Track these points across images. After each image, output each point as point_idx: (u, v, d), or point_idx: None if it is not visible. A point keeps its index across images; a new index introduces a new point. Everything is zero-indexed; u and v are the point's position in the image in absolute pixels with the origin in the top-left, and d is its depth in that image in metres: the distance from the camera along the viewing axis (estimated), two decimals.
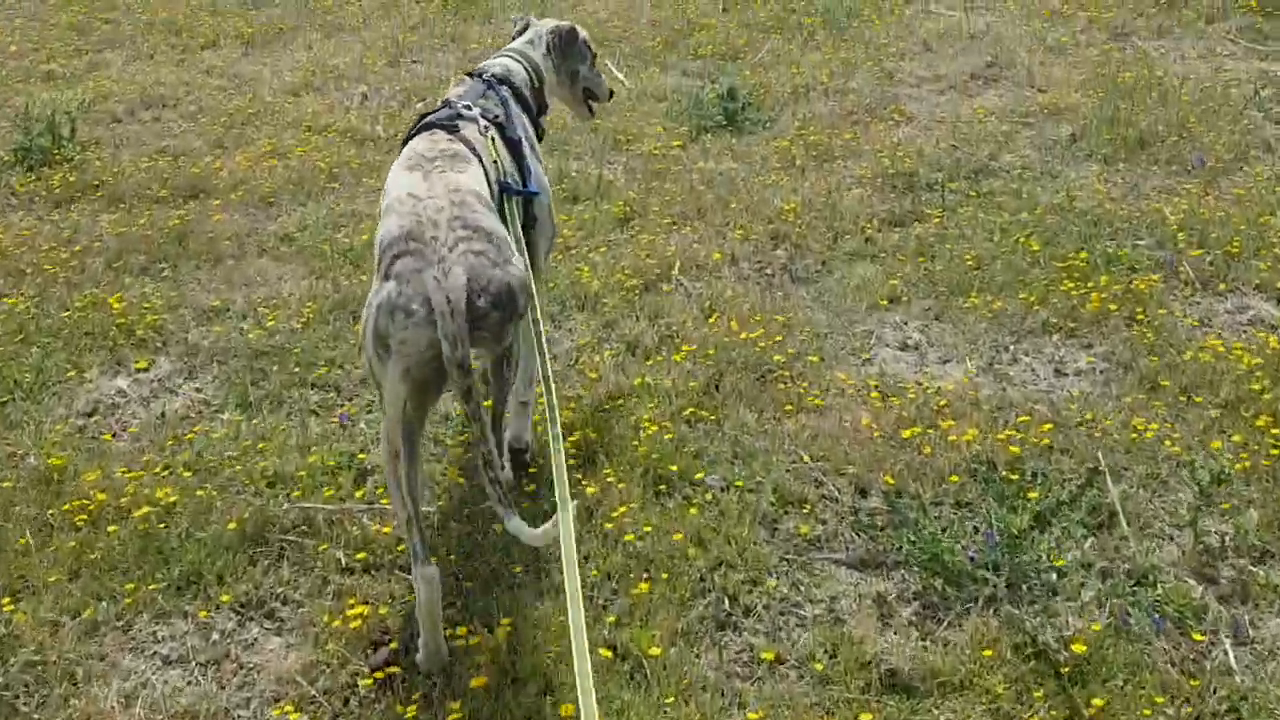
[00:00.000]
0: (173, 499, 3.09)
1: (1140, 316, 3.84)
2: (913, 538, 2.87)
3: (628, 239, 4.70)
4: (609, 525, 2.94)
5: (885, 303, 4.07)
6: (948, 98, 6.05)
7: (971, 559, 2.77)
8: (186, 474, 3.23)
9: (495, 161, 2.95)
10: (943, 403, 3.44)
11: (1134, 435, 3.25)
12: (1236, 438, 3.20)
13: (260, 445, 3.35)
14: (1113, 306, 3.88)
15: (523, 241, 2.88)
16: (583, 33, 3.70)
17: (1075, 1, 7.35)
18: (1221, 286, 4.03)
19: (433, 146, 2.83)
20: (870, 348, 3.85)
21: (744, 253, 4.52)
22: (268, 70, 7.09)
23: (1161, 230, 4.40)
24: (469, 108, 3.05)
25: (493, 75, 3.30)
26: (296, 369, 3.77)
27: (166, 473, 3.26)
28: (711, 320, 3.98)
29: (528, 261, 2.74)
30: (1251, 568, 2.82)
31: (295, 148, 5.73)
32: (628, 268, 4.39)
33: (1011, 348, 3.79)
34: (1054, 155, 5.22)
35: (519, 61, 3.44)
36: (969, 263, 4.25)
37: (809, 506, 3.08)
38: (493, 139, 2.98)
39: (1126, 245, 4.31)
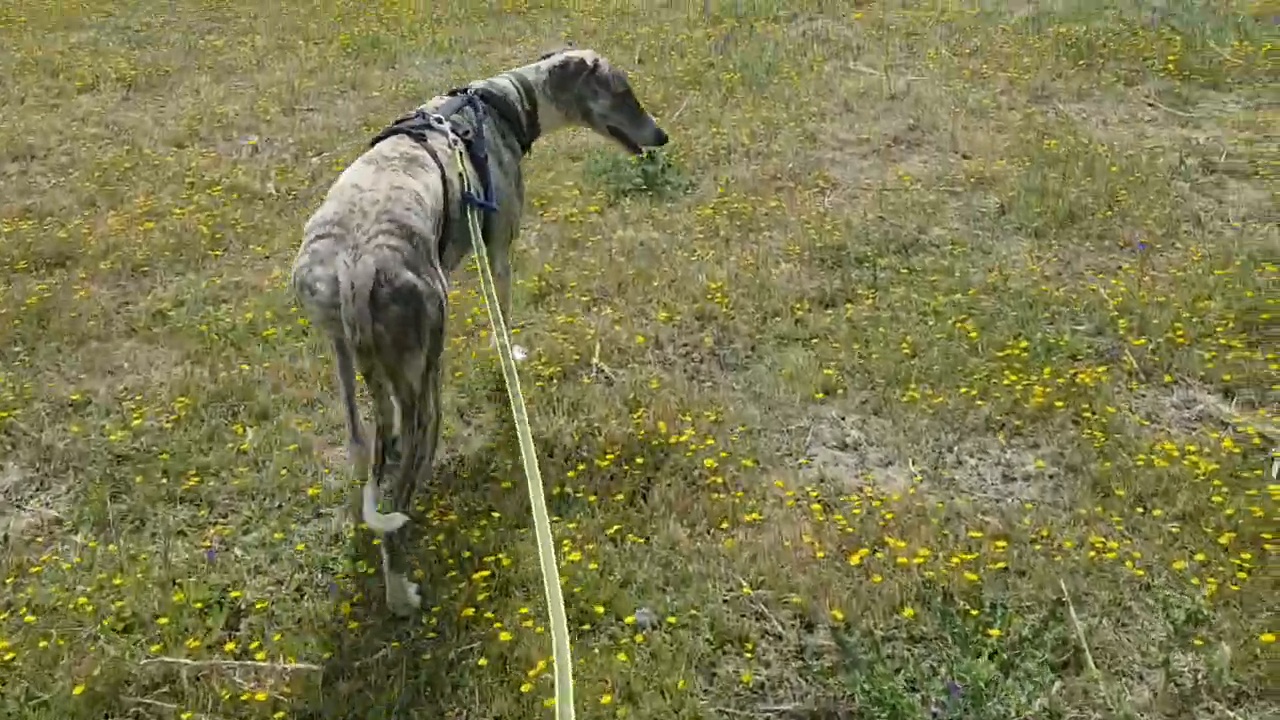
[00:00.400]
0: (10, 654, 2.64)
1: (1086, 413, 3.64)
2: (866, 685, 2.58)
3: (543, 319, 4.37)
4: (526, 686, 2.58)
5: (820, 395, 3.82)
6: (871, 163, 5.87)
7: (934, 716, 2.49)
8: (30, 618, 2.78)
9: (461, 174, 3.07)
10: (889, 515, 3.17)
11: (1093, 554, 3.03)
12: (1200, 556, 3.00)
13: (117, 580, 2.91)
14: (1058, 403, 3.68)
15: (483, 249, 2.97)
16: (602, 68, 3.66)
17: (994, 62, 7.29)
18: (1166, 379, 3.86)
19: (394, 148, 2.97)
20: (807, 447, 3.58)
21: (668, 335, 4.23)
22: (149, 118, 6.62)
23: (1100, 314, 4.24)
24: (440, 120, 3.16)
25: (476, 91, 3.43)
26: (163, 479, 3.34)
27: (6, 615, 2.81)
28: (637, 416, 3.67)
29: (488, 276, 2.85)
30: (1229, 712, 2.60)
31: (175, 208, 5.28)
32: (544, 353, 4.06)
33: (955, 448, 3.56)
34: (983, 228, 5.06)
35: (513, 83, 3.57)
36: (905, 350, 4.02)
37: (750, 645, 2.77)
38: (460, 153, 3.10)
39: (1065, 330, 4.13)
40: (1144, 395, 3.80)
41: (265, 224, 5.07)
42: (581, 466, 3.39)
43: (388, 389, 2.68)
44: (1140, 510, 3.21)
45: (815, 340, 4.15)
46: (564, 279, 4.64)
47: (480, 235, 3.03)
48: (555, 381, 3.89)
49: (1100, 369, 3.86)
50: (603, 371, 3.95)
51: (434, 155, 3.00)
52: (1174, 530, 3.12)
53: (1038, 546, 3.08)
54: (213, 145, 6.13)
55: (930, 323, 4.21)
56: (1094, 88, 6.77)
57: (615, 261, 4.75)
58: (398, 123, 3.18)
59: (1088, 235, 4.93)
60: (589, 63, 3.64)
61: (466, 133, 3.21)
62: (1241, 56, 7.12)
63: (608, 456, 3.43)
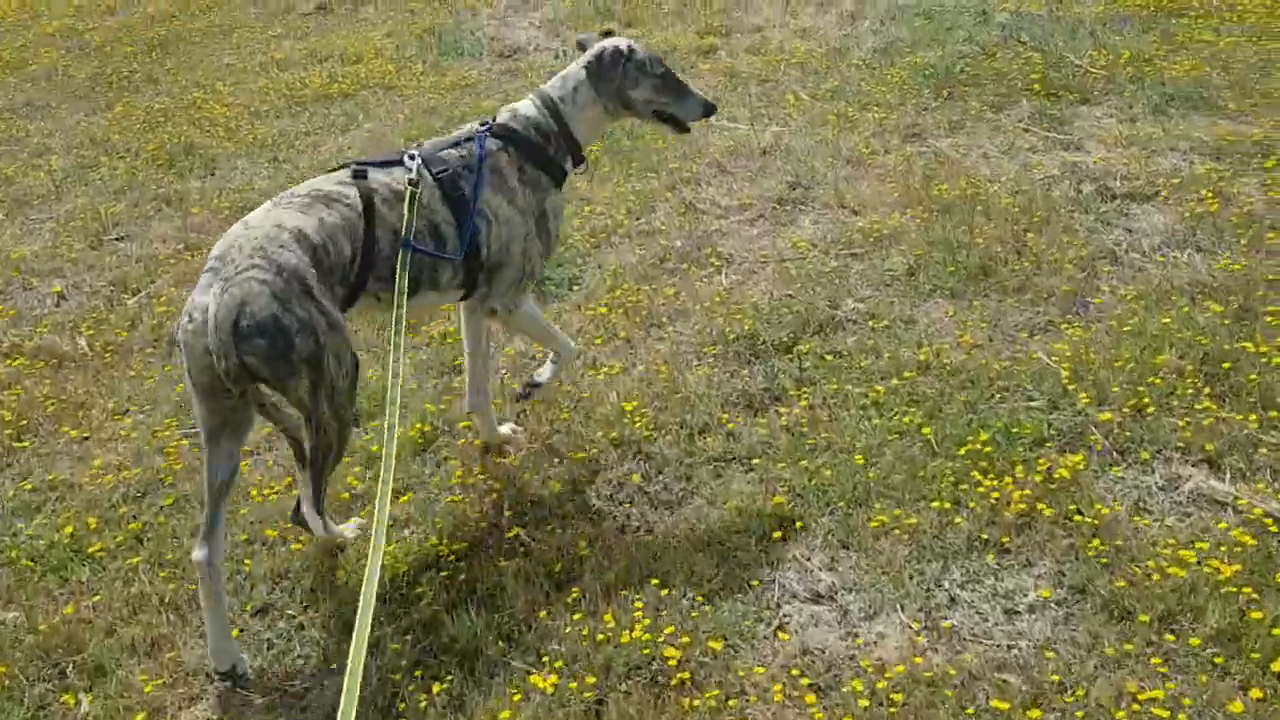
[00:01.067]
0: None
1: (1075, 515, 3.23)
2: None
3: (433, 471, 3.74)
4: None
5: (778, 533, 3.30)
6: (760, 229, 5.44)
7: None
8: None
9: (404, 217, 3.04)
10: (896, 697, 2.66)
11: (1137, 708, 2.58)
12: (1256, 694, 2.59)
13: None
14: (1041, 506, 3.26)
15: (403, 294, 3.01)
16: (638, 52, 3.48)
17: (856, 102, 6.99)
18: (1144, 455, 3.49)
19: (316, 185, 3.02)
20: (777, 606, 3.05)
21: (587, 475, 3.65)
22: None
23: (1051, 384, 3.86)
24: (412, 156, 3.15)
25: (486, 125, 3.35)
26: None
27: None
28: (570, 598, 3.08)
29: (401, 327, 2.95)
30: None
31: None
32: (441, 523, 3.43)
33: (944, 581, 3.09)
34: (897, 294, 4.65)
35: (537, 106, 3.43)
36: (858, 460, 3.54)
37: None
38: (412, 195, 3.05)
39: (1020, 409, 3.74)
40: (1124, 479, 3.42)
41: (80, 395, 4.28)
42: (516, 695, 2.76)
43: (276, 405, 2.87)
44: (1171, 636, 2.79)
45: (755, 460, 3.63)
46: (451, 417, 4.02)
47: (404, 279, 3.02)
48: (460, 565, 3.26)
49: (1077, 458, 3.46)
50: (521, 542, 3.34)
51: (367, 194, 3.01)
52: (1216, 659, 2.70)
53: (1070, 699, 2.61)
54: (9, 299, 5.27)
55: (874, 420, 3.76)
56: (964, 119, 6.51)
57: (506, 388, 4.15)
58: (370, 160, 3.18)
59: (1006, 290, 4.58)
60: (624, 50, 3.46)
61: (442, 171, 3.16)
62: (1102, 66, 7.01)
63: (546, 670, 2.82)
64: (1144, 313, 4.21)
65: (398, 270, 3.02)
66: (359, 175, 3.06)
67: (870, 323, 4.41)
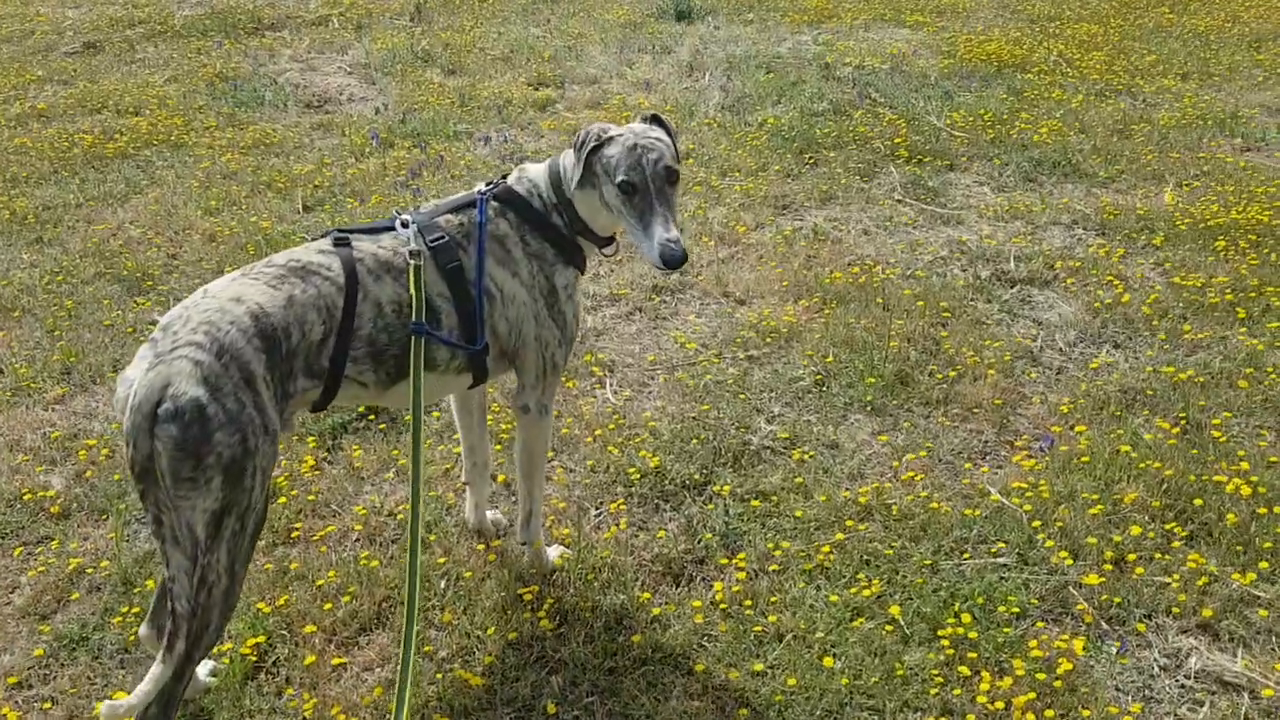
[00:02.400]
0: None
1: None
2: None
3: (271, 707, 2.87)
4: None
5: None
6: (639, 325, 4.77)
7: None
8: None
9: (392, 292, 2.71)
10: None
11: None
12: None
13: None
14: (1050, 714, 2.72)
15: (420, 388, 2.66)
16: (609, 147, 2.83)
17: (714, 168, 6.44)
18: (1139, 627, 3.02)
19: (294, 255, 2.68)
20: None
21: (477, 704, 2.86)
22: None
23: (1017, 534, 3.36)
24: (405, 224, 2.79)
25: (492, 187, 2.96)
26: None
27: None
28: None
29: (419, 423, 2.65)
30: None
31: None
32: None
33: None
34: (811, 411, 4.08)
35: (544, 170, 2.99)
36: (824, 661, 2.91)
37: None
38: (417, 270, 2.69)
39: (989, 569, 3.21)
40: (1128, 665, 2.92)
41: None
42: None
43: (169, 528, 2.37)
44: None
45: (695, 664, 2.94)
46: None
47: (419, 372, 2.67)
48: None
49: (1077, 642, 2.94)
50: None
51: (349, 264, 2.65)
52: None
53: None
54: None
55: (828, 593, 3.14)
56: (833, 188, 6.07)
57: (370, 584, 3.31)
58: (354, 227, 2.83)
59: (931, 402, 4.09)
60: (594, 136, 2.85)
61: (439, 238, 2.78)
62: (962, 128, 6.73)
63: None
64: (1095, 436, 3.79)
65: (412, 361, 2.68)
66: (340, 243, 2.72)
67: (792, 452, 3.81)
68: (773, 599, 3.13)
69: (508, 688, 2.89)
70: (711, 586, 3.21)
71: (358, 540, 3.47)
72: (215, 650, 2.98)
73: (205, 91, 8.09)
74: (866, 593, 3.13)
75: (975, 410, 4.02)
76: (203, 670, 2.91)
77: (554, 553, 3.31)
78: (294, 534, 3.49)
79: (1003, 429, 3.93)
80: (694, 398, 4.16)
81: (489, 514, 3.48)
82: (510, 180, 3.01)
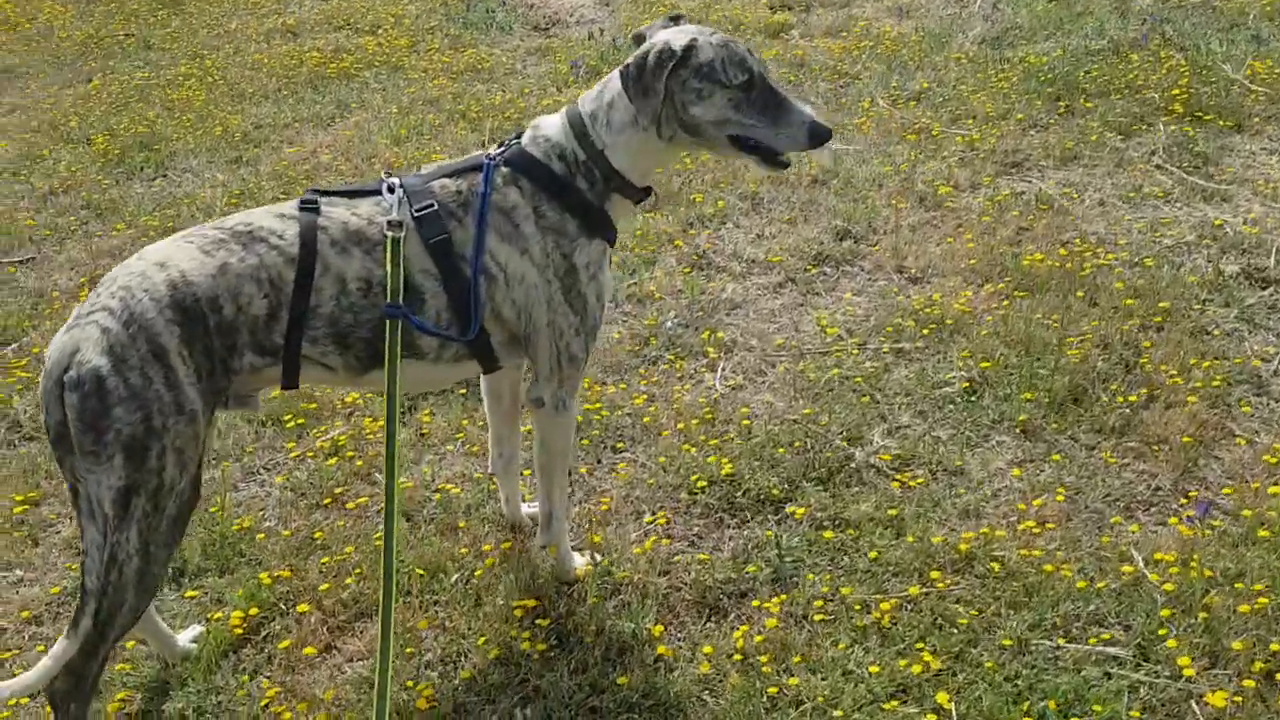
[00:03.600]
0: None
1: None
2: None
3: (238, 686, 2.81)
4: None
5: None
6: (784, 300, 4.32)
7: None
8: None
9: (360, 268, 2.49)
10: None
11: None
12: None
13: None
14: None
15: (395, 370, 2.42)
16: (703, 50, 2.54)
17: (946, 111, 5.76)
18: None
19: (249, 219, 2.50)
20: None
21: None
22: None
23: (1145, 617, 2.72)
24: (391, 188, 2.54)
25: (506, 145, 2.67)
26: None
27: None
28: None
29: (394, 410, 2.43)
30: None
31: None
32: None
33: None
34: (947, 424, 3.52)
35: (562, 124, 2.66)
36: None
37: None
38: (395, 242, 2.45)
39: (1089, 663, 2.62)
40: None
41: None
42: None
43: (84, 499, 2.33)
44: None
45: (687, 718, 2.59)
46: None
47: (394, 357, 2.43)
48: None
49: None
50: None
51: (309, 234, 2.45)
52: None
53: None
54: None
55: (870, 657, 2.67)
56: (1081, 146, 5.25)
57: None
58: (336, 188, 2.64)
59: (1103, 430, 3.42)
60: (676, 50, 2.53)
61: (426, 206, 2.53)
62: (1264, 82, 5.62)
63: None
64: None
65: (387, 347, 2.45)
66: (308, 206, 2.51)
67: (900, 475, 3.30)
68: (801, 657, 2.70)
69: (474, 711, 2.67)
70: (739, 625, 2.82)
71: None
72: (210, 615, 2.97)
73: (441, 11, 8.21)
74: (918, 668, 2.63)
75: (1157, 447, 3.32)
76: (185, 636, 2.89)
77: (579, 560, 3.04)
78: (327, 501, 3.42)
79: (1184, 474, 3.22)
80: (809, 394, 3.70)
81: (524, 507, 3.25)
82: (524, 141, 2.69)
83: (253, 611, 2.98)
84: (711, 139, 2.64)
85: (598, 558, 3.04)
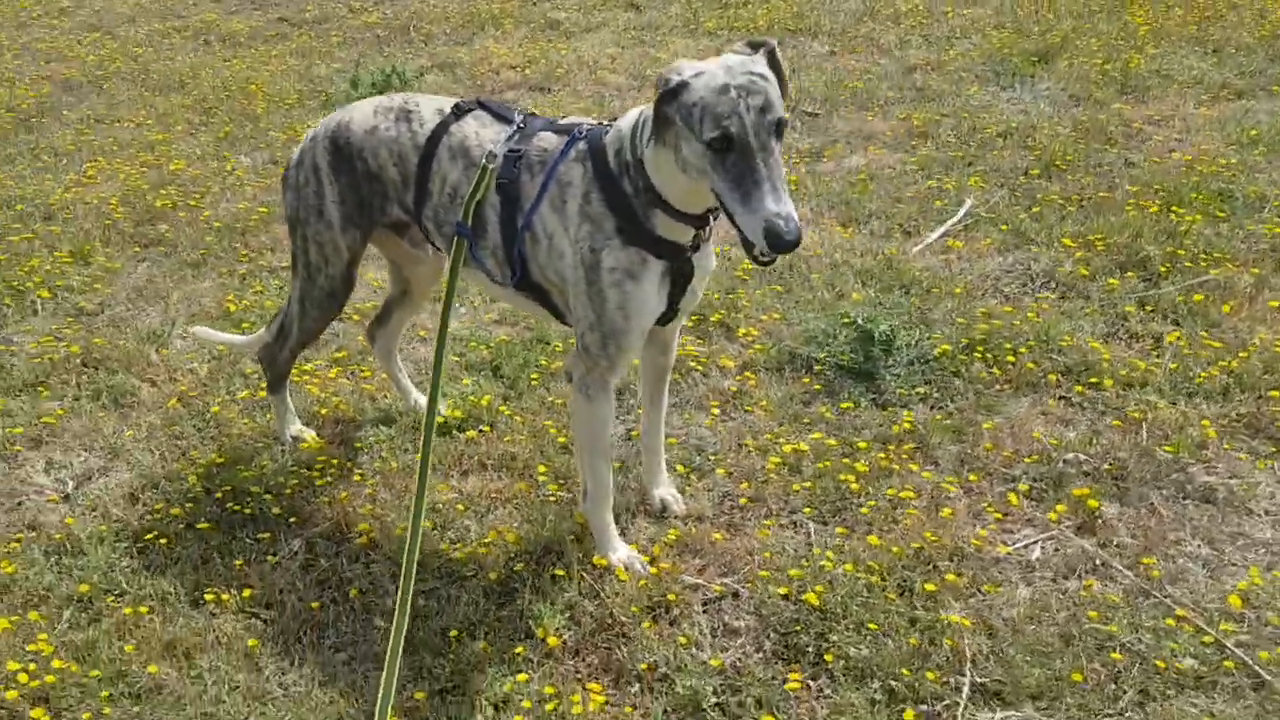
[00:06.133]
0: None
1: None
2: None
3: None
4: None
5: None
6: None
7: None
8: None
9: (458, 179, 2.86)
10: None
11: None
12: None
13: None
14: None
15: (453, 292, 2.79)
16: (693, 89, 2.34)
17: None
18: None
19: (421, 101, 3.01)
20: None
21: None
22: None
23: None
24: (523, 124, 2.81)
25: (604, 124, 2.71)
26: None
27: None
28: None
29: (445, 321, 2.77)
30: None
31: None
32: None
33: None
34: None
35: (633, 122, 2.60)
36: None
37: None
38: (484, 171, 2.75)
39: None
40: None
41: None
42: None
43: None
44: None
45: None
46: None
47: (456, 268, 2.79)
48: None
49: None
50: None
51: (437, 133, 2.89)
52: None
53: None
54: None
55: None
56: None
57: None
58: (492, 105, 2.96)
59: None
60: (671, 81, 2.38)
61: (514, 153, 2.73)
62: None
63: None
64: None
65: (450, 261, 2.81)
66: (462, 112, 2.92)
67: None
68: None
69: None
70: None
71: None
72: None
73: None
74: None
75: None
76: (417, 396, 3.69)
77: (624, 553, 2.96)
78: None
79: None
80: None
81: (658, 490, 3.17)
82: (619, 123, 2.67)
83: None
84: (700, 185, 2.43)
85: (647, 569, 2.94)
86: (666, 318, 2.80)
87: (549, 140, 2.74)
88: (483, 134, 2.84)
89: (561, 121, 2.81)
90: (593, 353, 2.73)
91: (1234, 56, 6.55)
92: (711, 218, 2.63)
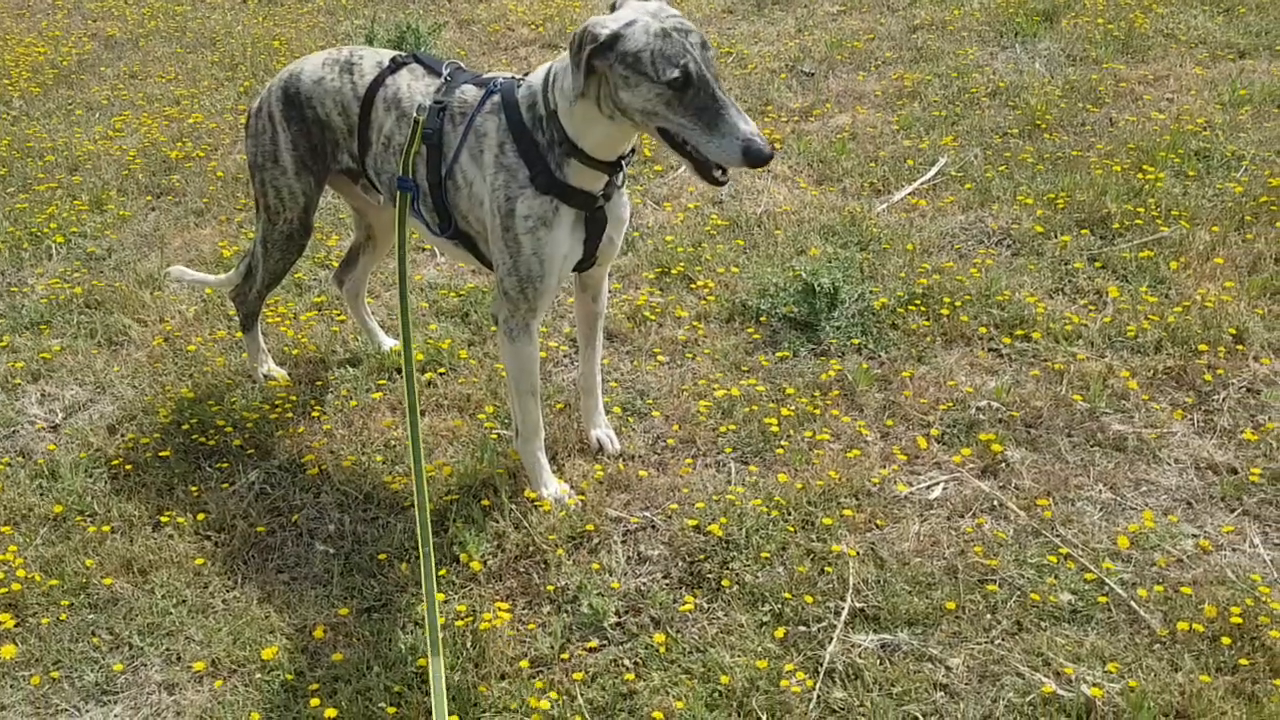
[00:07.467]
0: None
1: None
2: None
3: None
4: None
5: None
6: None
7: None
8: None
9: (392, 128, 3.05)
10: None
11: None
12: None
13: None
14: None
15: (404, 238, 2.92)
16: (628, 39, 2.47)
17: None
18: None
19: (364, 54, 3.19)
20: None
21: None
22: None
23: None
24: (450, 77, 2.96)
25: (518, 78, 2.85)
26: None
27: None
28: None
29: (405, 270, 2.91)
30: None
31: None
32: None
33: None
34: None
35: (544, 76, 2.75)
36: None
37: None
38: (418, 124, 2.89)
39: None
40: None
41: None
42: None
43: None
44: None
45: None
46: None
47: (402, 225, 2.93)
48: None
49: None
50: None
51: (375, 85, 3.08)
52: None
53: None
54: None
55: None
56: None
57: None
58: (425, 58, 3.12)
59: None
60: (598, 35, 2.49)
61: (438, 104, 2.89)
62: None
63: None
64: None
65: (396, 215, 2.96)
66: (398, 66, 3.10)
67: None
68: None
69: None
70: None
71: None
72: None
73: None
74: None
75: None
76: (388, 340, 3.95)
77: (554, 489, 3.16)
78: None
79: None
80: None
81: (595, 431, 3.40)
82: (529, 78, 2.82)
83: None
84: (643, 127, 2.61)
85: (576, 498, 3.15)
86: (585, 265, 2.99)
87: (470, 93, 2.89)
88: (414, 86, 3.02)
89: (484, 76, 2.96)
90: (512, 296, 2.91)
91: (1244, 16, 6.51)
92: (624, 164, 2.80)
